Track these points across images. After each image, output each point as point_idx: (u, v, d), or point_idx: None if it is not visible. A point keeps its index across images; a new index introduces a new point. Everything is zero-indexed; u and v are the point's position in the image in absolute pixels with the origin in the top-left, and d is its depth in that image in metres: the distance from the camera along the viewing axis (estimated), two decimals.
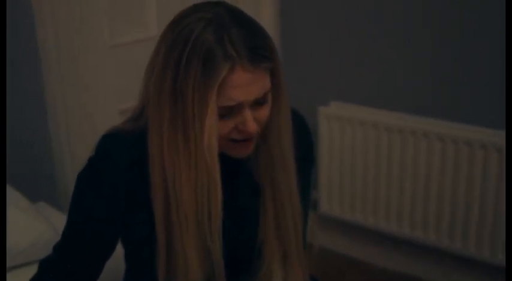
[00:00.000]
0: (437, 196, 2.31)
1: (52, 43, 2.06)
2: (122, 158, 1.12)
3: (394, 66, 2.38)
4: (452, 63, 2.24)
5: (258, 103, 1.05)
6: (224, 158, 1.12)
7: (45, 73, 2.09)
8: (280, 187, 1.15)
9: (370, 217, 2.51)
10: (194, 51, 0.99)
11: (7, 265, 1.59)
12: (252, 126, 1.04)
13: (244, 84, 1.01)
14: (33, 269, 1.24)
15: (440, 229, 2.34)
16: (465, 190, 2.24)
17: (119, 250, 1.24)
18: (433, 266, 2.46)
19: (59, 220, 1.65)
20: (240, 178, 1.18)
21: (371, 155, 2.43)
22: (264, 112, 1.07)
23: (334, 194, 2.57)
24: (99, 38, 2.19)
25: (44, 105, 2.12)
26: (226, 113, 1.03)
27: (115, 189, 1.13)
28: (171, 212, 1.08)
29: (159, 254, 1.11)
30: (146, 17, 2.29)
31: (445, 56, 2.25)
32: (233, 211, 1.16)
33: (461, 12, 2.18)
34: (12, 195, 1.76)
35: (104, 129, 1.18)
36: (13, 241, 1.61)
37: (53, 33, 2.05)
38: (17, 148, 2.01)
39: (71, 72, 2.12)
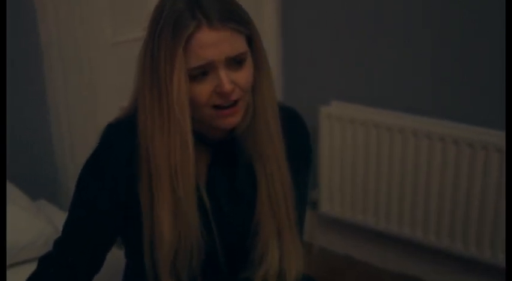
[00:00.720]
0: (437, 196, 2.31)
1: (55, 41, 2.06)
2: (122, 150, 1.14)
3: (394, 66, 2.38)
4: (452, 63, 2.25)
5: (233, 64, 1.06)
6: (222, 145, 1.16)
7: (47, 71, 2.09)
8: (270, 161, 1.16)
9: (370, 217, 2.51)
10: (166, 20, 1.04)
11: (7, 263, 1.59)
12: (228, 87, 1.05)
13: (212, 42, 1.03)
14: (33, 267, 1.24)
15: (440, 229, 2.34)
16: (466, 190, 2.24)
17: None
18: (433, 266, 2.46)
19: (59, 218, 1.65)
20: (239, 165, 1.20)
21: (372, 155, 2.43)
22: (243, 75, 1.08)
23: (335, 194, 2.58)
24: (100, 35, 2.19)
25: (45, 104, 2.12)
26: (199, 73, 1.05)
27: (116, 182, 1.15)
28: (152, 181, 1.10)
29: (144, 227, 1.13)
30: (148, 14, 2.29)
31: (445, 56, 2.25)
32: (232, 197, 1.18)
33: (461, 12, 2.18)
34: (12, 192, 1.76)
35: None
36: (13, 239, 1.60)
37: (56, 31, 2.05)
38: (17, 147, 2.01)
39: (73, 70, 2.12)
